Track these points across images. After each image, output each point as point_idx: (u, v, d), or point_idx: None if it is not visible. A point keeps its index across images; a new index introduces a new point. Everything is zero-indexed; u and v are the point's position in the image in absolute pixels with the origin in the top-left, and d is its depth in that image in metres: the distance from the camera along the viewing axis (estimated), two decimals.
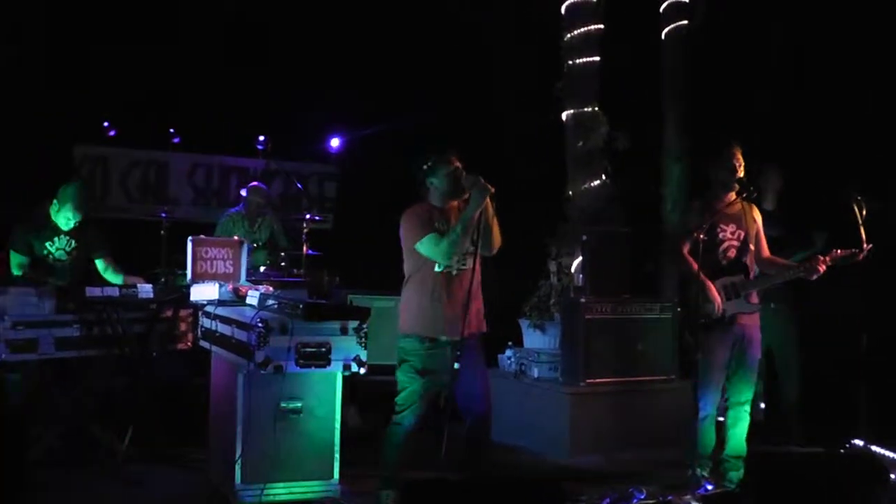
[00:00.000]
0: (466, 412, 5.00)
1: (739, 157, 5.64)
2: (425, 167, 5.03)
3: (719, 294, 5.58)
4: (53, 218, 6.26)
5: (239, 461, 4.82)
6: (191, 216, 9.11)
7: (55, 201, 6.22)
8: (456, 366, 4.86)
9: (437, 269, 4.94)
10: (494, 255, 5.11)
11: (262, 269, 7.00)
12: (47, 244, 6.26)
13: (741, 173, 5.62)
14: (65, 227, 6.28)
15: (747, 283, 5.69)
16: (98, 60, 8.50)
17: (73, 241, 6.34)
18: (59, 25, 8.40)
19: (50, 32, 8.30)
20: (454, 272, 4.96)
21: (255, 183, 8.03)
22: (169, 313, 6.02)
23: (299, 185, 9.14)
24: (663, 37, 8.49)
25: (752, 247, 5.74)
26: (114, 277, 6.44)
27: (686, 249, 5.67)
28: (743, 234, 5.72)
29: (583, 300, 6.88)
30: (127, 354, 5.86)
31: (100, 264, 6.51)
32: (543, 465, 6.52)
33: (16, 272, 6.20)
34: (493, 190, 4.78)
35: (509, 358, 7.34)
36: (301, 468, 4.94)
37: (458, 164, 5.00)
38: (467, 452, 5.06)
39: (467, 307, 4.83)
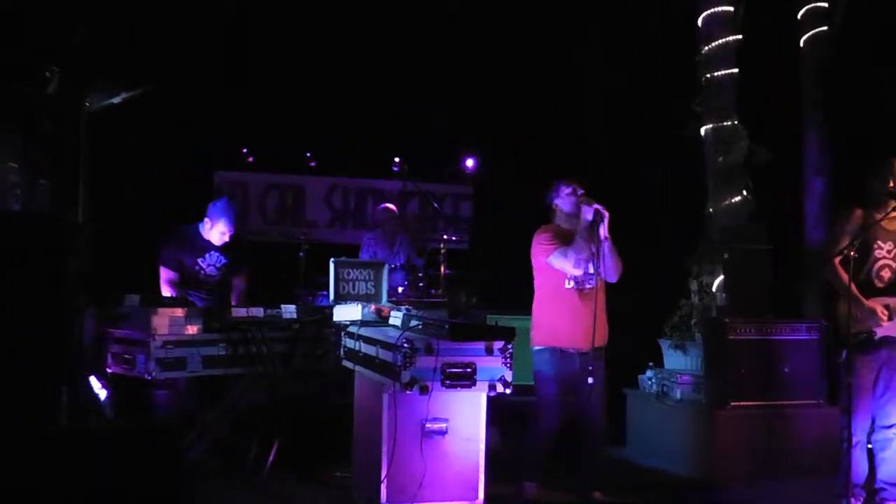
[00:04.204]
0: (581, 424, 5.46)
1: None
2: (551, 190, 5.65)
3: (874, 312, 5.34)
4: (205, 235, 6.46)
5: (384, 481, 4.82)
6: (328, 238, 9.27)
7: (206, 219, 6.42)
8: (590, 380, 5.19)
9: (566, 285, 5.43)
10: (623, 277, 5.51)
11: (400, 289, 7.05)
12: (199, 260, 6.46)
13: None
14: (218, 243, 6.47)
15: None
16: (238, 89, 8.76)
17: (224, 258, 6.53)
18: (198, 60, 8.70)
19: (189, 67, 8.61)
20: (581, 289, 5.41)
21: (384, 205, 8.14)
22: (311, 333, 6.11)
23: (436, 205, 9.21)
24: (802, 44, 8.24)
25: None
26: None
27: (838, 261, 5.43)
28: None
29: (727, 321, 6.68)
30: (270, 373, 5.98)
31: (236, 283, 6.72)
32: (686, 489, 6.35)
33: (164, 289, 6.40)
34: (594, 203, 5.29)
35: (650, 379, 7.17)
36: (446, 489, 4.90)
37: (578, 186, 5.55)
38: (584, 463, 5.54)
39: (594, 322, 5.20)
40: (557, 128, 9.04)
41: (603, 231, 5.26)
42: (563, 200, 5.57)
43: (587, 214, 5.28)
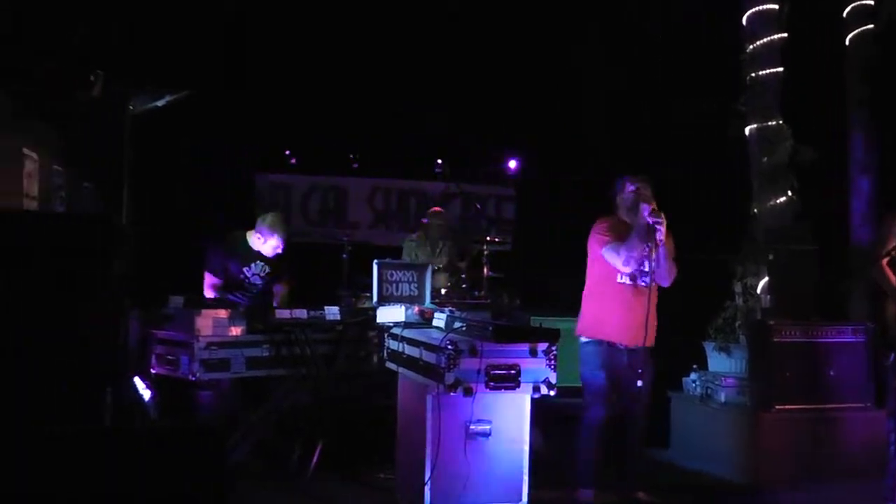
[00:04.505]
0: (625, 423, 5.45)
1: None
2: (617, 184, 5.57)
3: None
4: (254, 245, 6.49)
5: (428, 483, 4.81)
6: (370, 239, 9.30)
7: (258, 233, 6.45)
8: (639, 383, 5.16)
9: (619, 279, 5.38)
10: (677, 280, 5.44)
11: (443, 291, 7.05)
12: (245, 269, 6.51)
13: None
14: (270, 255, 6.51)
15: None
16: (280, 91, 8.82)
17: (268, 267, 6.56)
18: (241, 62, 8.77)
19: (232, 70, 8.68)
20: (634, 285, 5.34)
21: (435, 208, 8.13)
22: (355, 335, 6.12)
23: (478, 207, 9.21)
24: (847, 43, 8.13)
25: None
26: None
27: (885, 262, 5.36)
28: None
29: (771, 323, 6.61)
30: (314, 374, 5.99)
31: (276, 289, 6.76)
32: (731, 493, 6.29)
33: (208, 293, 6.45)
34: (653, 204, 5.20)
35: (694, 381, 7.11)
36: (490, 491, 4.88)
37: (641, 183, 5.46)
38: (627, 463, 5.53)
39: (646, 321, 5.18)
40: (601, 128, 9.00)
41: (659, 234, 5.14)
42: (625, 197, 5.50)
43: (645, 212, 5.19)
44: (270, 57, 8.90)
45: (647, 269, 5.24)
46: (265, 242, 6.47)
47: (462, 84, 9.13)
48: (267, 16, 8.89)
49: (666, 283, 5.40)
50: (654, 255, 5.17)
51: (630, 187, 5.47)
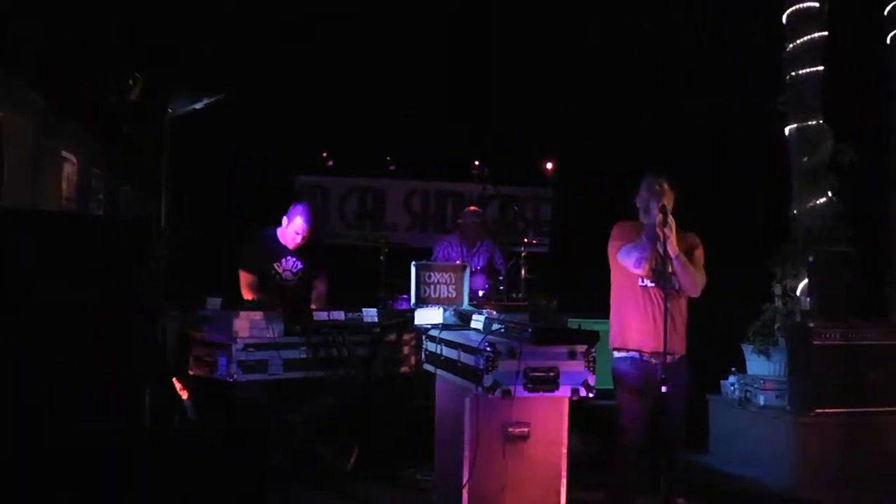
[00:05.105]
0: (659, 431, 5.12)
1: None
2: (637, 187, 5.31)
3: None
4: (282, 238, 6.51)
5: (466, 485, 4.79)
6: (407, 241, 9.29)
7: (284, 217, 6.47)
8: (664, 389, 4.90)
9: (640, 283, 5.13)
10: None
11: (481, 293, 7.03)
12: (275, 264, 6.50)
13: None
14: (292, 244, 6.49)
15: None
16: (317, 93, 8.85)
17: (300, 263, 6.57)
18: (278, 65, 8.82)
19: (270, 72, 8.73)
20: (655, 290, 5.09)
21: (471, 207, 8.11)
22: (392, 337, 6.12)
23: (517, 208, 9.19)
24: (888, 41, 8.02)
25: None
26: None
27: None
28: None
29: (811, 325, 6.54)
30: (351, 376, 6.00)
31: (316, 285, 6.74)
32: (771, 499, 6.23)
33: (245, 292, 6.46)
34: (664, 201, 4.95)
35: (733, 384, 7.06)
36: (528, 493, 4.85)
37: (654, 180, 5.13)
38: (665, 470, 5.15)
39: (669, 326, 4.87)
40: (636, 128, 8.95)
41: (671, 248, 4.92)
42: (640, 196, 5.22)
43: (654, 211, 4.97)
44: (307, 59, 8.94)
45: (667, 272, 4.99)
46: (288, 225, 6.45)
47: (499, 85, 9.12)
48: (304, 18, 8.94)
49: (691, 293, 5.16)
50: (669, 257, 4.94)
51: (644, 186, 5.19)
